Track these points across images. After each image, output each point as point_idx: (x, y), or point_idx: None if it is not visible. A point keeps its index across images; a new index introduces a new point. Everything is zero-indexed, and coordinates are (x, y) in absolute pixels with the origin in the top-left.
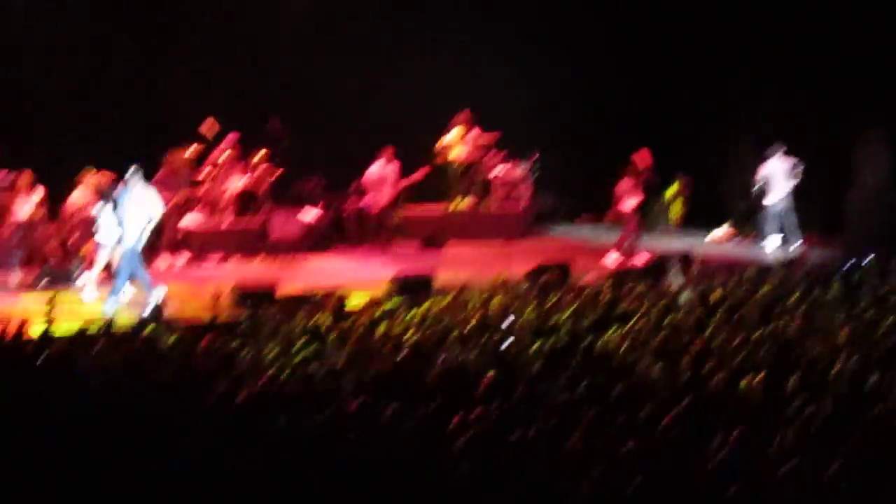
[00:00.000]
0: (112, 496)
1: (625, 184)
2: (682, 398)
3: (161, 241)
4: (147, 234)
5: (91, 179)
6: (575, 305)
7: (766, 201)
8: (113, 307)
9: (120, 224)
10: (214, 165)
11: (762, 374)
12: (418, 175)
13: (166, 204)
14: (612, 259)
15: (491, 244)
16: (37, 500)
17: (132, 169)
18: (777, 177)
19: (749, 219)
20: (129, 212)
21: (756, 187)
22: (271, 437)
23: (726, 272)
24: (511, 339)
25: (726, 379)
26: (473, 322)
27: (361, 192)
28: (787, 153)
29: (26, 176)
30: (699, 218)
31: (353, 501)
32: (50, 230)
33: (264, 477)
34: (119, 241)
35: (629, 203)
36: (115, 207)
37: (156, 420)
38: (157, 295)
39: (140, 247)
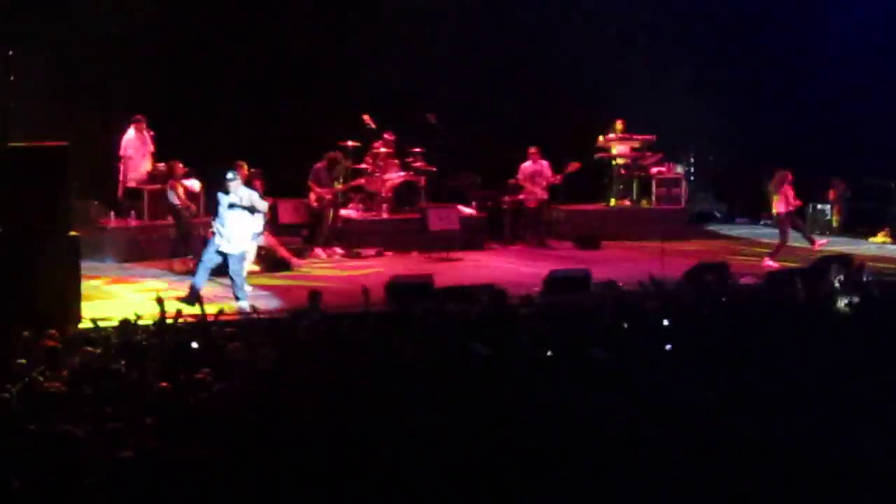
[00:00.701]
0: None
1: (781, 188)
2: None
3: (319, 232)
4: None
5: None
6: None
7: None
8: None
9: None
10: (373, 159)
11: None
12: (570, 168)
13: (325, 198)
14: (770, 265)
15: (648, 243)
16: None
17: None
18: None
19: None
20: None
21: None
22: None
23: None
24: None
25: None
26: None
27: (516, 189)
28: None
29: (178, 167)
30: (860, 224)
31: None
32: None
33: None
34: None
35: (780, 207)
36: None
37: None
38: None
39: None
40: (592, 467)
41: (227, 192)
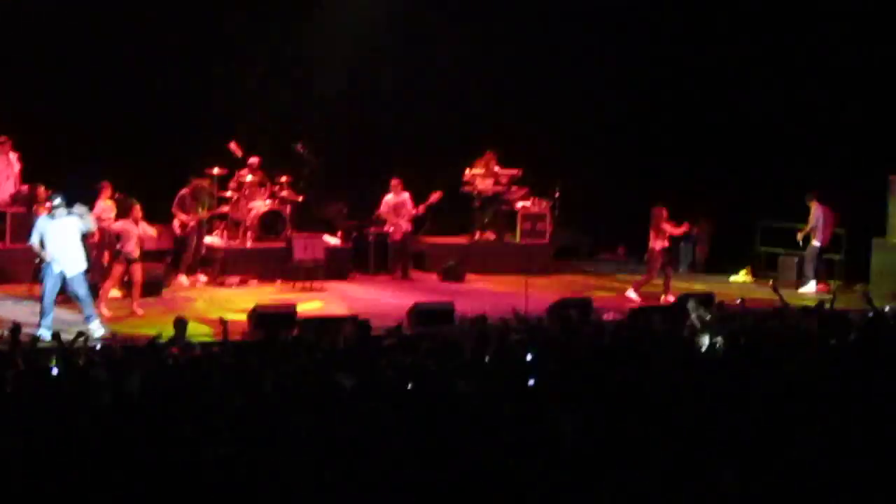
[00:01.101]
0: None
1: (654, 225)
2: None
3: (183, 259)
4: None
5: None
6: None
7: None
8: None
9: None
10: (238, 187)
11: None
12: (432, 199)
13: (189, 224)
14: (632, 296)
15: (513, 277)
16: None
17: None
18: (820, 221)
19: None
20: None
21: (804, 230)
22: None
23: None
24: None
25: None
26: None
27: (381, 221)
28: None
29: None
30: (723, 261)
31: None
32: None
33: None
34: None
35: (656, 244)
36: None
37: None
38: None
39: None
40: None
41: (52, 217)
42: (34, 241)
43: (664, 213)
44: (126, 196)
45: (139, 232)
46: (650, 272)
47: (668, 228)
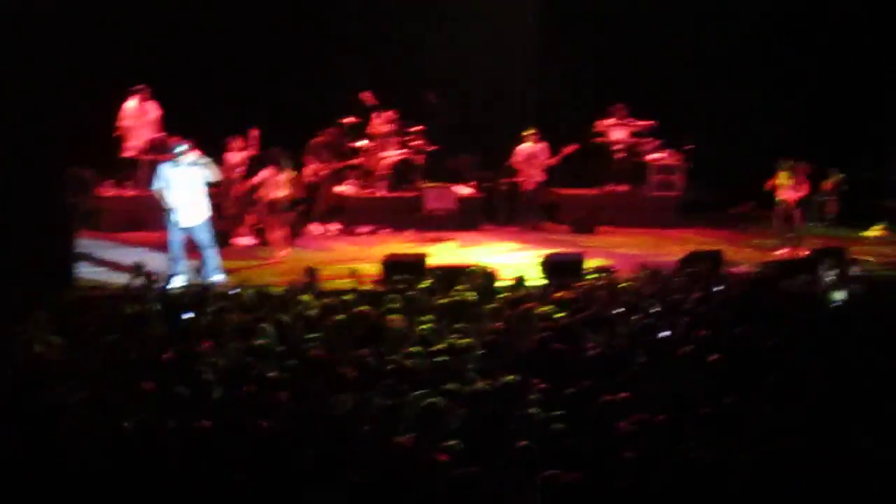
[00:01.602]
0: None
1: (784, 178)
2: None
3: (315, 208)
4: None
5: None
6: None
7: None
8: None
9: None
10: (371, 137)
11: None
12: (566, 151)
13: (321, 173)
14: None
15: (644, 229)
16: None
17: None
18: None
19: None
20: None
21: None
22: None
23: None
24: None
25: None
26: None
27: (512, 171)
28: None
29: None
30: (855, 216)
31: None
32: None
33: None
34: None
35: (791, 196)
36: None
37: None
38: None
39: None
40: None
41: (176, 165)
42: (156, 186)
43: (808, 168)
44: (269, 149)
45: (281, 180)
46: (784, 225)
47: (804, 185)
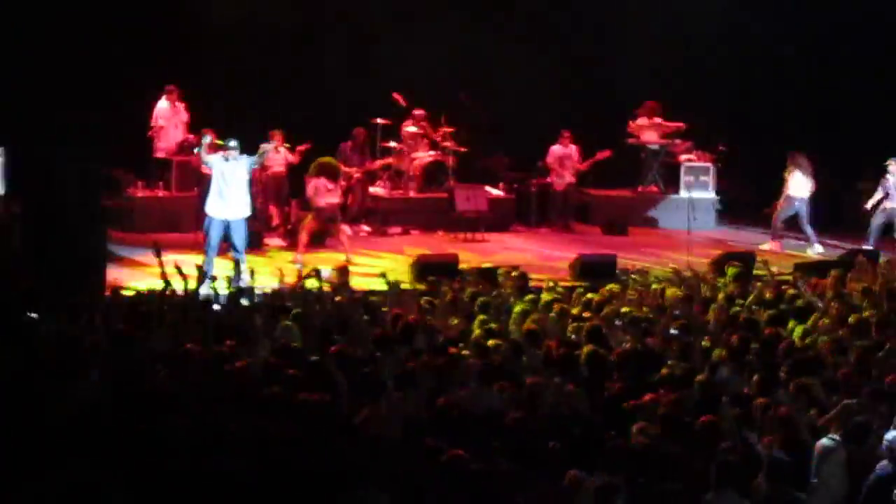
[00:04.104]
0: None
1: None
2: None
3: (347, 209)
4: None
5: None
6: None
7: None
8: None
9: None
10: (402, 138)
11: None
12: (600, 156)
13: (353, 175)
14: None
15: (676, 230)
16: None
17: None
18: None
19: None
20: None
21: None
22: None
23: None
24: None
25: None
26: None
27: (545, 172)
28: None
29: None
30: None
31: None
32: None
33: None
34: None
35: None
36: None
37: None
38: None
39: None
40: None
41: (226, 160)
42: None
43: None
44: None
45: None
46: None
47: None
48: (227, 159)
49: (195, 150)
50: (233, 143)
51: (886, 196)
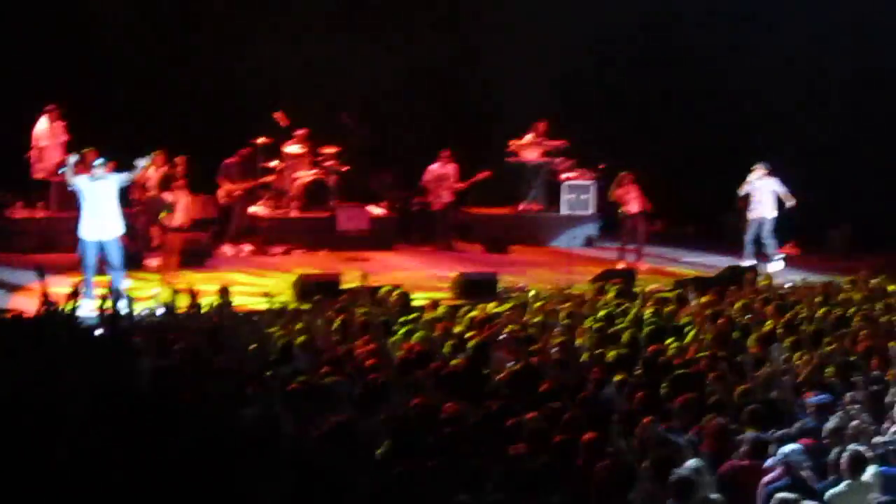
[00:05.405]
0: None
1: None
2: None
3: (228, 229)
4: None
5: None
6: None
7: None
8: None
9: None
10: (284, 157)
11: None
12: (479, 176)
13: (234, 194)
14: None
15: (557, 248)
16: None
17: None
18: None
19: None
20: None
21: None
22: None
23: None
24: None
25: None
26: (534, 326)
27: (424, 191)
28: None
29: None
30: None
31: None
32: None
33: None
34: None
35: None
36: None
37: None
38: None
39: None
40: None
41: (92, 179)
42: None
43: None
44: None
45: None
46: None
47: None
48: (93, 178)
49: (59, 171)
50: (97, 162)
51: (748, 203)
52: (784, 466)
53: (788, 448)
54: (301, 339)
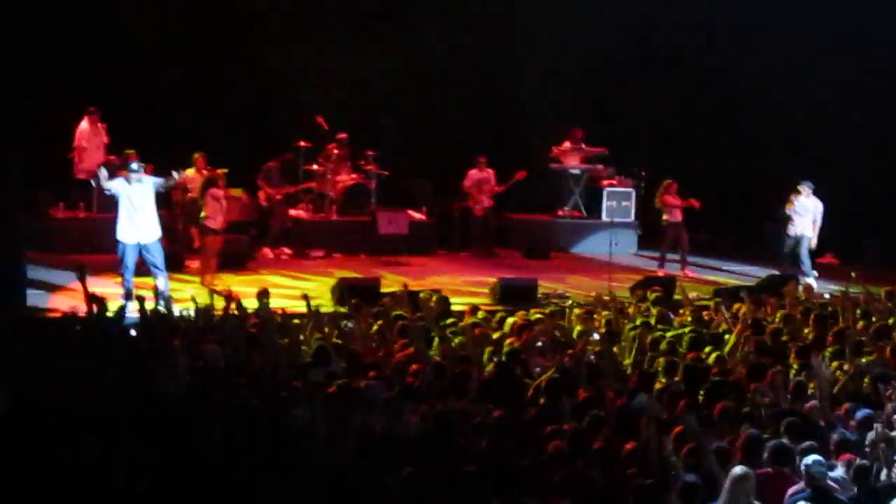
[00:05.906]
0: None
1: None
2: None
3: (268, 232)
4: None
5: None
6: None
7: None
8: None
9: None
10: (325, 161)
11: None
12: (516, 177)
13: (275, 197)
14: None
15: (597, 255)
16: None
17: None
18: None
19: None
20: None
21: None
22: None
23: None
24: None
25: None
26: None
27: (465, 196)
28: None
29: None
30: None
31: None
32: None
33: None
34: None
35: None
36: None
37: None
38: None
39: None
40: None
41: (129, 183)
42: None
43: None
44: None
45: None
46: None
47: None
48: (129, 182)
49: (92, 183)
50: (133, 166)
51: (790, 220)
52: (806, 477)
53: (810, 459)
54: (338, 342)
